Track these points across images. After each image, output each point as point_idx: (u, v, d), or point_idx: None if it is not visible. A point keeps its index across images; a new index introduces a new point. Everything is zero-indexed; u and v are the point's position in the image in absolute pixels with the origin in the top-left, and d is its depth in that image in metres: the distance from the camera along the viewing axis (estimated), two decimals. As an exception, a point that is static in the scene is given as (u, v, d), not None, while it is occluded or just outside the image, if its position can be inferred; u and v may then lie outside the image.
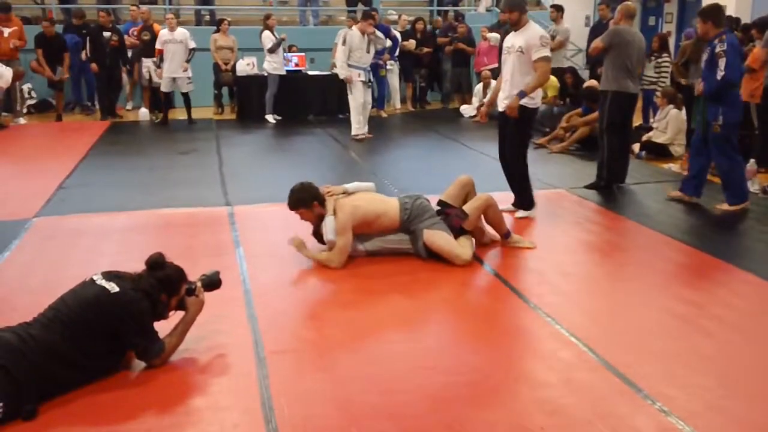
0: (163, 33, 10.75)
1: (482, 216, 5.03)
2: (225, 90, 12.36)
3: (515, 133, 5.76)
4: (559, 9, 11.68)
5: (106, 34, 11.24)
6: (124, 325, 3.19)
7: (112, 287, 3.21)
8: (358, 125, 9.59)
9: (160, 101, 11.40)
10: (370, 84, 9.80)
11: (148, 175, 7.61)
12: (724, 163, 6.20)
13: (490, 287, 4.53)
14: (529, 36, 5.53)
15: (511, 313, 4.06)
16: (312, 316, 4.11)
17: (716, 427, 2.91)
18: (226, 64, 11.76)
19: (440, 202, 5.04)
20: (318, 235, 5.01)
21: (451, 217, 4.87)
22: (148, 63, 11.30)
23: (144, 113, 11.50)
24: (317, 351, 3.57)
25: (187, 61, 10.75)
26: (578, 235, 5.58)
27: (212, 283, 3.64)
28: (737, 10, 11.58)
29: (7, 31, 10.76)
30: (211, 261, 4.85)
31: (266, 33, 11.07)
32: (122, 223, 5.73)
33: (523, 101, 5.55)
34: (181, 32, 10.76)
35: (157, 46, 10.72)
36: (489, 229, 5.17)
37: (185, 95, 11.04)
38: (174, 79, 10.83)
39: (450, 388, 3.21)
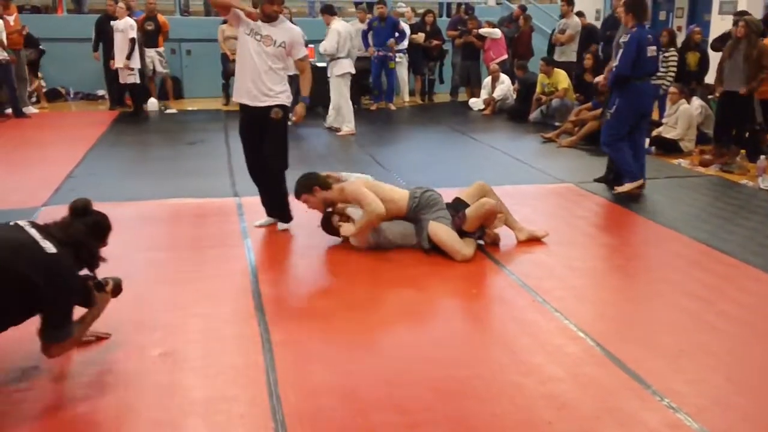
0: (115, 23, 10.68)
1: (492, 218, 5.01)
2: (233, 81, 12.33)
3: (279, 137, 5.20)
4: (570, 2, 11.63)
5: (113, 23, 11.23)
6: (50, 291, 2.93)
7: (48, 246, 2.98)
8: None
9: (167, 93, 11.47)
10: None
11: (157, 165, 7.61)
12: (608, 149, 6.57)
13: (497, 280, 4.51)
14: (294, 33, 5.16)
15: (519, 306, 4.04)
16: (319, 307, 4.11)
17: (724, 423, 2.90)
18: (233, 54, 11.74)
19: (457, 200, 5.01)
20: (326, 227, 5.02)
21: (455, 217, 4.83)
22: (151, 53, 11.29)
23: (153, 103, 11.51)
24: (324, 342, 3.57)
25: (128, 57, 10.53)
26: (586, 229, 5.56)
27: (116, 288, 3.49)
28: (749, 4, 11.49)
29: (11, 19, 10.74)
30: (219, 251, 4.86)
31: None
32: (130, 213, 5.73)
33: (283, 100, 5.13)
34: (125, 21, 10.61)
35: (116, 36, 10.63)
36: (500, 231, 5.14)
37: (130, 86, 10.90)
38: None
39: (457, 381, 3.20)
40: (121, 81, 10.82)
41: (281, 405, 2.97)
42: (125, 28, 10.55)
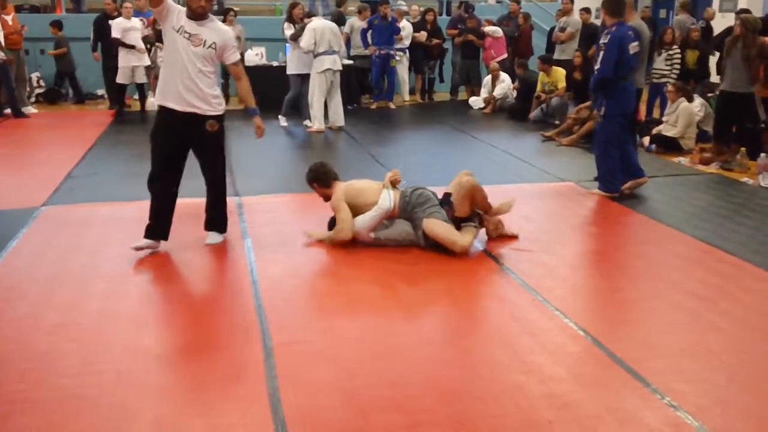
0: (119, 22, 10.59)
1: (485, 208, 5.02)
2: (232, 81, 12.33)
3: (218, 148, 4.87)
4: (571, 0, 11.62)
5: (111, 22, 11.21)
6: None
7: None
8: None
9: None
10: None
11: (157, 165, 7.60)
12: (598, 153, 6.44)
13: (497, 280, 4.51)
14: (224, 35, 4.72)
15: (520, 306, 4.04)
16: (320, 307, 4.10)
17: (725, 422, 2.89)
18: (234, 51, 11.75)
19: (446, 195, 5.02)
20: (331, 225, 5.07)
21: (448, 210, 4.87)
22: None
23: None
24: (325, 342, 3.57)
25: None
26: (587, 228, 5.56)
27: None
28: (749, 2, 11.49)
29: (9, 19, 10.72)
30: (219, 251, 4.86)
31: (287, 24, 10.35)
32: (130, 213, 5.73)
33: (219, 110, 4.74)
34: (136, 19, 10.74)
35: (114, 35, 10.52)
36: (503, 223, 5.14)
37: (140, 86, 10.98)
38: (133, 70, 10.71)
39: (457, 381, 3.20)
40: (123, 81, 10.80)
41: (281, 405, 2.97)
42: (139, 25, 10.69)
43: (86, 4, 13.74)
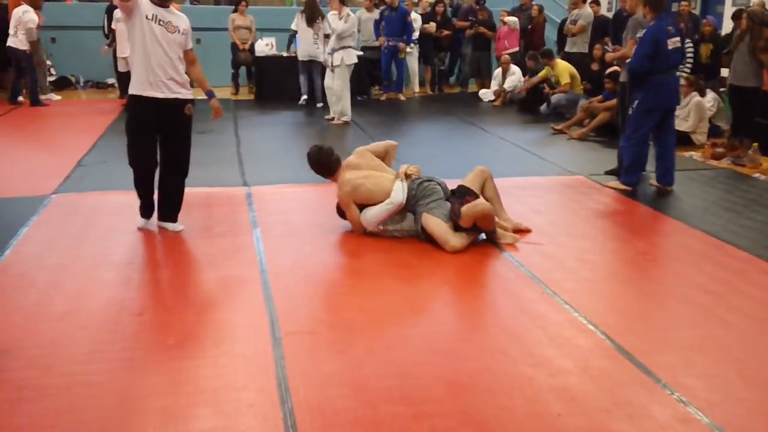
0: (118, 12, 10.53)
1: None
2: (243, 71, 12.35)
3: (190, 132, 4.92)
4: (583, -8, 11.56)
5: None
6: None
7: None
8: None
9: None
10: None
11: (166, 154, 7.61)
12: (623, 144, 6.39)
13: (507, 272, 4.49)
14: (186, 20, 4.81)
15: (529, 299, 4.02)
16: (328, 298, 4.10)
17: (735, 418, 2.87)
18: (243, 43, 11.76)
19: (460, 187, 4.99)
20: (339, 211, 5.07)
21: (456, 204, 4.81)
22: None
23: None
24: (333, 333, 3.56)
25: None
26: (597, 222, 5.53)
27: None
28: (763, -4, 11.36)
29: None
30: (228, 241, 4.86)
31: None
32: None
33: (189, 95, 4.82)
34: None
35: (112, 25, 10.47)
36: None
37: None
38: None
39: (465, 373, 3.19)
40: (123, 69, 10.77)
41: (290, 395, 2.97)
42: None
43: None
